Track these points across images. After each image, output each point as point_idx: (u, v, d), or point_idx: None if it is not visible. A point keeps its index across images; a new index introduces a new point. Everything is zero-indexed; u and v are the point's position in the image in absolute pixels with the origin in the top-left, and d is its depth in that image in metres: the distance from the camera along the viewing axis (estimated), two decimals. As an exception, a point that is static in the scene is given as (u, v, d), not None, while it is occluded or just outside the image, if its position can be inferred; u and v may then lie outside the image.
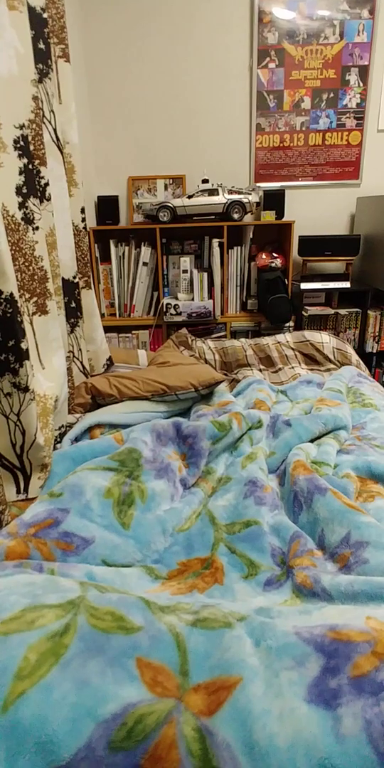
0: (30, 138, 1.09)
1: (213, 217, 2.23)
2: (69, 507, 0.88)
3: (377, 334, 2.44)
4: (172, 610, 0.62)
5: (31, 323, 1.07)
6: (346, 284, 2.33)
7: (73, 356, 1.51)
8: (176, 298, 2.34)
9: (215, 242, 2.24)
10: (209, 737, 0.45)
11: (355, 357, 1.95)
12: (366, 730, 0.44)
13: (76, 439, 1.25)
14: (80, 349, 1.54)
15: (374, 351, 2.48)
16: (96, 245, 2.31)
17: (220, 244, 2.26)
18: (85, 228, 1.54)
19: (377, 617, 0.58)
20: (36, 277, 1.06)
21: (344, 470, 1.13)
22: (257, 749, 0.43)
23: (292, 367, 1.87)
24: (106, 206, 2.34)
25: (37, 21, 1.16)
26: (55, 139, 1.29)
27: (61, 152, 1.33)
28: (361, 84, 2.30)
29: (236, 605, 0.72)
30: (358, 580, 0.71)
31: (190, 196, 2.19)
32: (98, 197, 2.36)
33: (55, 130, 1.28)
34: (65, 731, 0.45)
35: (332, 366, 1.89)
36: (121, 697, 0.48)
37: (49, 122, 1.26)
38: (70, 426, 1.29)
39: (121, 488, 0.97)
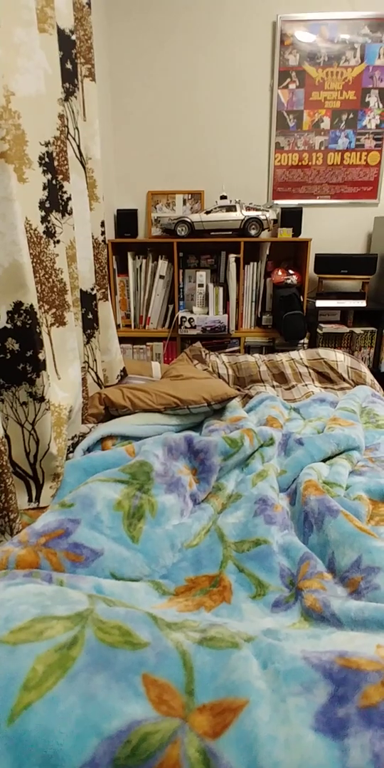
0: (55, 154, 1.13)
1: (230, 232, 2.25)
2: (79, 518, 0.89)
3: (393, 354, 2.42)
4: (179, 627, 0.61)
5: (48, 334, 1.09)
6: (362, 303, 2.33)
7: (88, 366, 1.53)
8: (191, 312, 2.35)
9: (232, 257, 2.26)
10: (213, 760, 0.45)
11: (369, 376, 1.93)
12: (374, 764, 0.43)
13: (89, 450, 1.26)
14: (95, 360, 1.56)
15: (389, 371, 2.45)
16: (114, 257, 2.34)
17: (237, 260, 2.27)
18: (104, 241, 1.57)
19: (387, 646, 0.57)
20: (55, 289, 1.09)
21: (356, 492, 1.11)
22: (262, 776, 0.43)
23: (306, 385, 1.86)
24: (125, 219, 2.38)
25: (65, 42, 1.20)
26: (78, 155, 1.32)
27: (84, 167, 1.36)
28: (381, 105, 2.32)
29: (243, 625, 0.72)
30: (368, 606, 0.70)
31: (208, 212, 2.22)
32: (118, 210, 2.40)
33: (78, 146, 1.31)
34: (70, 746, 0.45)
35: (346, 385, 1.88)
36: (126, 713, 0.48)
37: (74, 139, 1.29)
38: (83, 436, 1.31)
39: (131, 501, 0.97)
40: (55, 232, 1.06)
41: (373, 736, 0.45)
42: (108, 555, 0.85)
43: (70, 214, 1.19)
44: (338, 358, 1.94)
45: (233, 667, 0.53)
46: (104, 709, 0.48)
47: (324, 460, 1.29)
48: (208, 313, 2.32)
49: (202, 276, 2.30)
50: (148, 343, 2.41)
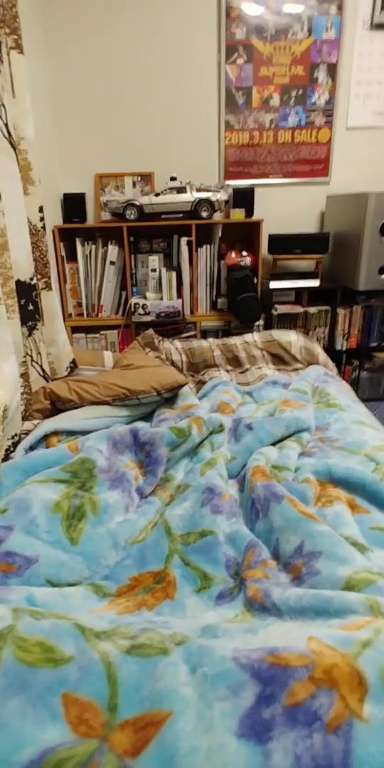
0: (-26, 134, 1.04)
1: (181, 215, 2.19)
2: (13, 524, 0.84)
3: (346, 331, 2.45)
4: (109, 635, 0.59)
5: (-23, 329, 1.02)
6: (316, 282, 2.33)
7: (32, 360, 1.46)
8: (145, 298, 2.30)
9: (184, 240, 2.21)
10: (131, 781, 0.42)
11: (322, 356, 1.95)
12: (296, 767, 0.42)
13: (32, 448, 1.21)
14: (39, 353, 1.49)
15: (344, 349, 2.49)
16: (62, 244, 2.25)
17: (189, 243, 2.22)
18: (43, 227, 1.49)
19: (319, 637, 0.56)
20: (-18, 280, 1.01)
21: (304, 474, 1.11)
22: (180, 793, 0.41)
23: (260, 368, 1.85)
24: (73, 204, 2.28)
25: (-18, 10, 1.11)
26: (6, 134, 1.23)
27: (15, 149, 1.27)
28: (330, 81, 2.30)
29: (184, 623, 0.70)
30: (307, 594, 0.69)
31: (157, 194, 2.15)
32: (64, 195, 2.29)
33: (6, 125, 1.22)
34: (-22, 782, 0.42)
35: (299, 366, 1.88)
36: (40, 740, 0.45)
37: (0, 118, 1.20)
38: (26, 434, 1.25)
39: (71, 501, 0.93)
40: (-23, 219, 0.99)
41: (296, 737, 0.44)
42: (43, 561, 0.81)
43: (-3, 198, 1.11)
44: (291, 339, 1.94)
45: (160, 675, 0.51)
46: (17, 737, 0.45)
47: (274, 443, 1.29)
48: (162, 299, 2.27)
49: (154, 261, 2.24)
50: (101, 332, 2.34)
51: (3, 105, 1.22)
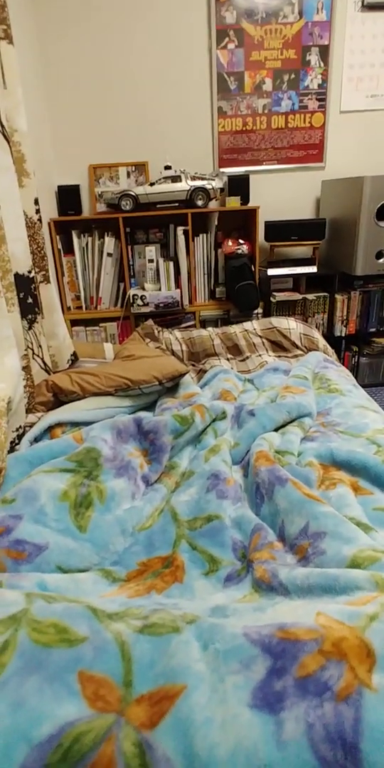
0: (-31, 126, 1.04)
1: (176, 204, 2.18)
2: (22, 513, 0.85)
3: (345, 317, 2.46)
4: (121, 616, 0.60)
5: (-22, 323, 1.02)
6: (313, 269, 2.33)
7: (33, 354, 1.46)
8: (143, 289, 2.30)
9: (180, 230, 2.21)
10: (149, 752, 0.44)
11: (322, 342, 1.96)
12: (307, 735, 0.43)
13: (36, 440, 1.22)
14: (40, 346, 1.49)
15: (343, 335, 2.49)
16: (58, 237, 2.24)
17: (185, 232, 2.22)
18: (39, 220, 1.48)
19: (327, 613, 0.57)
20: (-19, 274, 1.02)
21: (307, 458, 1.12)
22: (197, 762, 0.42)
23: (260, 355, 1.86)
24: (68, 196, 2.27)
25: (-28, 0, 1.10)
26: None
27: (8, 141, 1.27)
28: (322, 64, 2.28)
29: (193, 604, 0.71)
30: (313, 572, 0.70)
31: (152, 184, 2.14)
32: (59, 187, 2.28)
33: (-1, 117, 1.22)
34: (-1, 758, 0.43)
35: (299, 352, 1.89)
36: (58, 715, 0.46)
37: (-7, 109, 1.19)
38: (30, 426, 1.25)
39: (78, 490, 0.94)
40: (-25, 212, 0.99)
41: (307, 706, 0.45)
42: (53, 548, 0.82)
43: (-7, 191, 1.11)
44: (291, 326, 1.94)
45: (173, 652, 0.52)
46: (34, 714, 0.46)
47: (277, 429, 1.30)
48: (160, 289, 2.27)
49: (151, 251, 2.24)
50: (101, 324, 2.34)
51: (-4, 97, 1.21)
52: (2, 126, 1.22)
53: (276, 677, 0.49)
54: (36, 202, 1.46)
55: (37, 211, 1.47)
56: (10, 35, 1.28)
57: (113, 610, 0.61)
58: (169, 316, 2.33)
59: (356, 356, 2.56)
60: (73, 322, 2.33)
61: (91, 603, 0.62)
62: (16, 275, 1.32)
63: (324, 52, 2.26)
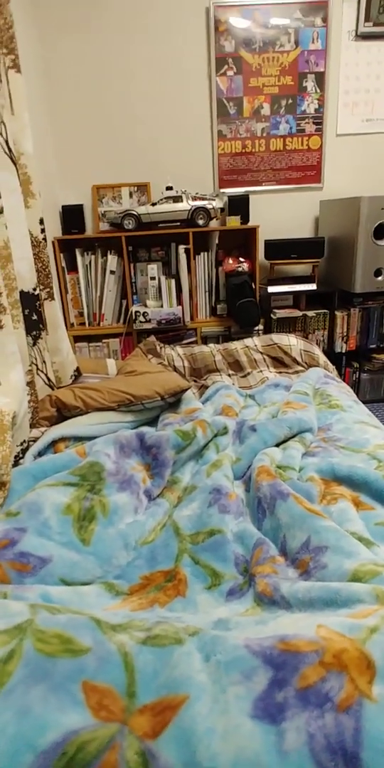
0: (-21, 151, 1.07)
1: (178, 223, 2.23)
2: (26, 526, 0.86)
3: (345, 334, 2.48)
4: (125, 628, 0.60)
5: (-15, 339, 1.04)
6: (313, 286, 2.37)
7: (37, 369, 1.48)
8: (145, 306, 2.33)
9: (181, 248, 2.25)
10: (152, 761, 0.44)
11: (322, 358, 1.98)
12: (308, 745, 0.43)
13: (40, 454, 1.23)
14: (44, 362, 1.51)
15: (343, 351, 2.52)
16: (62, 255, 2.28)
17: (187, 251, 2.26)
18: (44, 239, 1.52)
19: (328, 625, 0.58)
20: (-12, 292, 1.04)
21: (309, 473, 1.13)
22: (200, 770, 0.43)
23: (261, 371, 1.88)
24: (71, 215, 2.32)
25: (-17, 32, 1.14)
26: (7, 150, 1.26)
27: (15, 164, 1.31)
28: (318, 90, 2.35)
29: (196, 618, 0.72)
30: (314, 586, 0.71)
31: (154, 204, 2.19)
32: (63, 206, 2.33)
33: (6, 141, 1.26)
34: (4, 765, 0.44)
35: (300, 368, 1.91)
36: (62, 724, 0.46)
37: (0, 135, 1.24)
38: (34, 440, 1.27)
39: (81, 503, 0.95)
40: (-17, 232, 1.02)
41: (309, 717, 0.46)
42: (57, 561, 0.83)
43: (0, 213, 1.14)
44: (291, 342, 1.96)
45: (175, 663, 0.53)
46: (39, 722, 0.46)
47: (278, 444, 1.31)
48: (162, 306, 2.31)
49: (153, 269, 2.28)
50: (103, 341, 2.37)
51: (3, 122, 1.26)
52: (10, 149, 1.26)
53: (277, 688, 0.49)
54: (41, 221, 1.49)
55: (42, 231, 1.50)
56: (18, 64, 1.33)
57: (117, 622, 0.62)
58: (171, 332, 2.36)
59: (357, 372, 2.58)
60: (77, 338, 2.36)
61: (95, 614, 0.63)
62: (22, 293, 1.35)
63: (320, 78, 2.33)
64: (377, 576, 0.74)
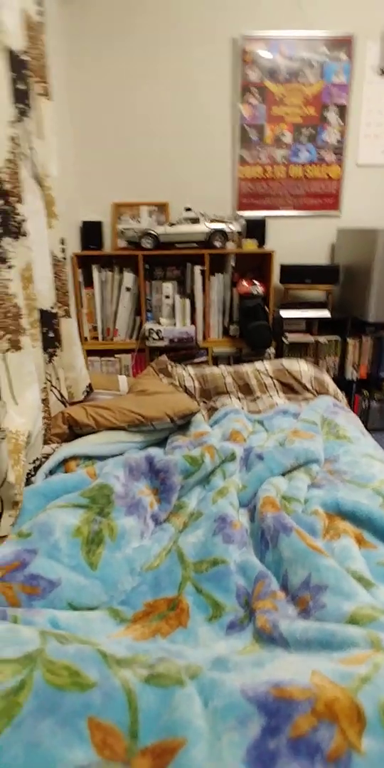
0: (7, 178, 1.12)
1: (195, 244, 2.27)
2: (37, 548, 0.89)
3: (357, 362, 2.49)
4: (129, 663, 0.63)
5: (4, 360, 1.08)
6: (326, 313, 2.39)
7: (51, 385, 1.52)
8: (159, 323, 2.37)
9: (197, 269, 2.28)
10: (151, 802, 0.46)
11: (332, 386, 1.99)
12: (299, 795, 0.45)
13: (51, 472, 1.26)
14: (58, 378, 1.55)
15: (354, 378, 2.53)
16: (79, 270, 2.33)
17: (202, 271, 2.30)
18: (64, 258, 1.56)
19: (322, 671, 0.60)
20: (9, 314, 1.08)
21: (313, 506, 1.15)
22: None
23: (270, 396, 1.90)
24: (91, 231, 2.37)
25: (16, 63, 1.19)
26: (34, 174, 1.31)
27: (41, 186, 1.36)
28: (341, 122, 2.38)
29: (196, 653, 0.74)
30: (312, 627, 0.73)
31: (172, 224, 2.23)
32: (83, 222, 2.39)
33: (34, 166, 1.31)
34: (12, 797, 0.46)
35: (309, 395, 1.92)
36: (68, 760, 0.49)
37: (29, 159, 1.28)
38: (45, 458, 1.30)
39: (90, 526, 0.98)
40: (7, 257, 1.06)
41: (299, 767, 0.48)
42: (65, 585, 0.85)
43: (24, 235, 1.19)
44: (302, 368, 1.98)
45: (176, 705, 0.55)
46: (48, 756, 0.49)
47: (284, 474, 1.32)
48: (175, 325, 2.34)
49: (168, 288, 2.32)
50: (116, 356, 2.41)
51: (31, 148, 1.30)
52: (37, 173, 1.31)
53: (270, 736, 0.51)
54: (62, 241, 1.54)
55: (63, 250, 1.55)
56: (48, 92, 1.39)
57: (122, 656, 0.64)
58: (183, 350, 2.39)
59: (367, 400, 2.58)
60: (89, 352, 2.40)
61: (101, 647, 0.65)
62: (41, 311, 1.39)
63: (342, 110, 2.36)
64: (374, 621, 0.75)
